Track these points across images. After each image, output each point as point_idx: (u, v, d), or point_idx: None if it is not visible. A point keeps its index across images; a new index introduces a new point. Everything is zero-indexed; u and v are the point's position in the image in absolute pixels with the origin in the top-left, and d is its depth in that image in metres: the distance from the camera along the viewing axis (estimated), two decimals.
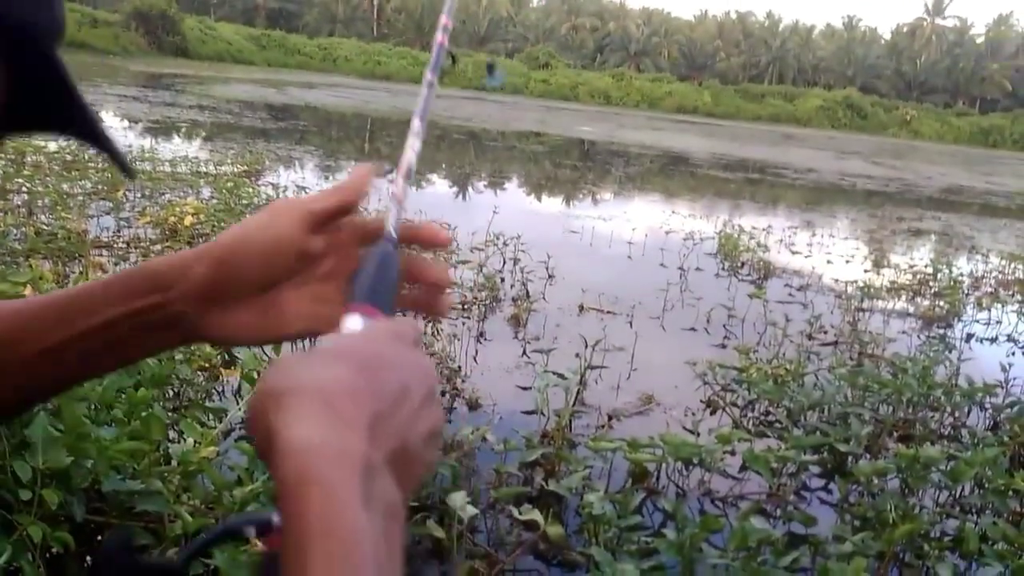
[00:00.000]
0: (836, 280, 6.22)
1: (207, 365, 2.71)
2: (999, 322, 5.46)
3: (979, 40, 71.01)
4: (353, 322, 0.44)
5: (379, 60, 55.30)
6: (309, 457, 0.31)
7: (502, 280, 4.84)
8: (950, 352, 4.03)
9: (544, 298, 4.73)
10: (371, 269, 0.48)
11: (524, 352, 3.75)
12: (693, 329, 4.49)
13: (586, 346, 3.31)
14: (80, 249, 4.15)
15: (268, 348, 2.98)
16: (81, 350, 0.46)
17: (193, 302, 0.44)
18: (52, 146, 7.57)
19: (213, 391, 2.76)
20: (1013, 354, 4.72)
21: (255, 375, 2.13)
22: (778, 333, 4.19)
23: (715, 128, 37.06)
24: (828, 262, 7.07)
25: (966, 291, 6.15)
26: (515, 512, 2.10)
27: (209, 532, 0.39)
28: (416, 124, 0.57)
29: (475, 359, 3.56)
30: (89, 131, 0.41)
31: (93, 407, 1.80)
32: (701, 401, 3.39)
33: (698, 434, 2.92)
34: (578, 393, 3.15)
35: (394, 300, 0.48)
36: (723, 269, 6.23)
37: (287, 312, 0.46)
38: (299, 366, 0.36)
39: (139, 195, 6.11)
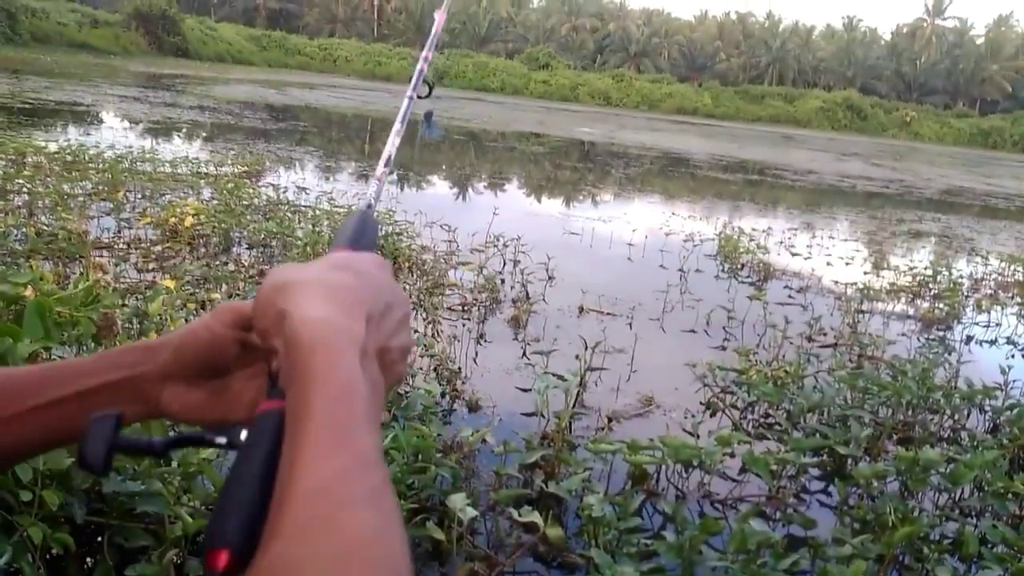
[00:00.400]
0: (836, 282, 6.22)
1: None
2: (999, 324, 5.46)
3: (979, 41, 71.01)
4: None
5: (379, 60, 55.31)
6: (319, 327, 0.39)
7: (502, 281, 4.84)
8: (949, 354, 4.03)
9: (544, 300, 4.73)
10: (352, 223, 0.58)
11: (524, 354, 3.75)
12: (693, 331, 4.49)
13: (586, 348, 3.31)
14: (81, 250, 4.15)
15: None
16: (49, 417, 0.50)
17: (158, 380, 0.50)
18: (52, 147, 7.58)
19: None
20: (1012, 356, 4.72)
21: None
22: (778, 335, 4.19)
23: (715, 129, 37.06)
24: (828, 264, 7.07)
25: (966, 293, 6.15)
26: (515, 514, 2.10)
27: (188, 432, 0.47)
28: (397, 126, 0.78)
29: (475, 360, 3.56)
30: None
31: None
32: (701, 403, 3.39)
33: (698, 436, 2.92)
34: (578, 395, 3.15)
35: (374, 250, 0.57)
36: (723, 271, 6.24)
37: (236, 397, 0.51)
38: (305, 267, 0.45)
39: (140, 196, 6.11)
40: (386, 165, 0.74)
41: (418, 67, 0.87)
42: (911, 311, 5.56)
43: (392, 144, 0.76)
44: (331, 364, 0.38)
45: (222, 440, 0.45)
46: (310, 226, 5.37)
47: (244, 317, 0.49)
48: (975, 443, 2.98)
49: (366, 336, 0.41)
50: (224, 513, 0.37)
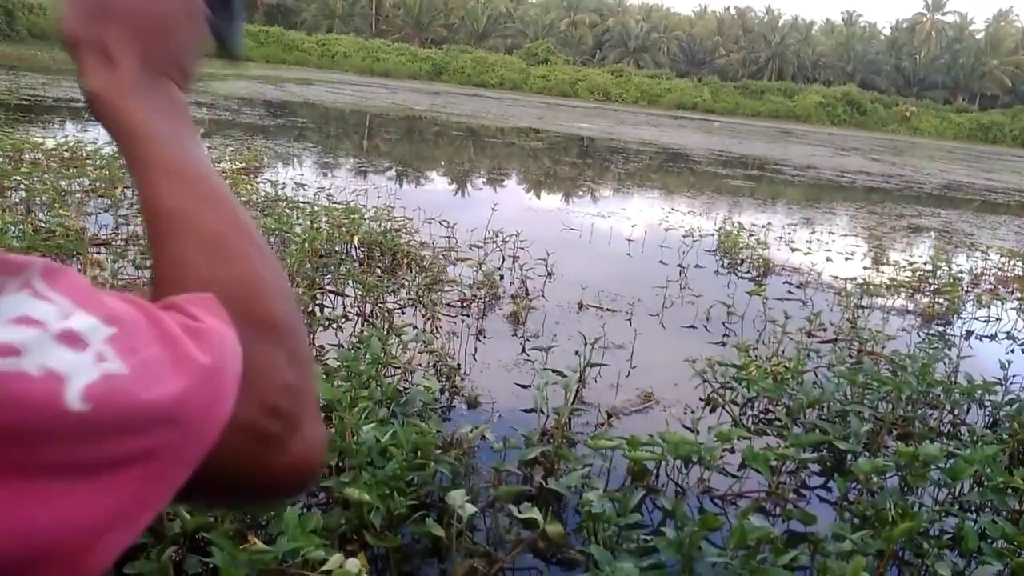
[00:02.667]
0: (836, 277, 6.21)
1: None
2: (998, 319, 5.46)
3: (979, 36, 70.92)
4: None
5: (377, 56, 55.19)
6: (100, 98, 0.46)
7: (501, 278, 4.84)
8: (949, 349, 4.02)
9: (543, 296, 4.72)
10: None
11: (523, 350, 3.75)
12: (692, 327, 4.49)
13: (585, 344, 3.30)
14: (79, 247, 4.14)
15: None
16: None
17: None
18: (50, 143, 7.56)
19: None
20: (1012, 351, 4.72)
21: None
22: (777, 330, 4.19)
23: (714, 124, 37.03)
24: (828, 259, 7.07)
25: (965, 288, 6.14)
26: (514, 510, 2.10)
27: None
28: None
29: (474, 357, 3.56)
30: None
31: None
32: (700, 399, 3.39)
33: (697, 432, 2.92)
34: (577, 391, 3.14)
35: None
36: (723, 266, 6.23)
37: None
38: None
39: (137, 192, 6.09)
40: None
41: None
42: (911, 306, 5.56)
43: None
44: (121, 117, 0.45)
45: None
46: (308, 222, 5.35)
47: None
48: (975, 438, 2.98)
49: (139, 75, 0.46)
50: None
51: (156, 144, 0.45)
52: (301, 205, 6.30)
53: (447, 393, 3.07)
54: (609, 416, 3.08)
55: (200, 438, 0.33)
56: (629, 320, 4.42)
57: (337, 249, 4.95)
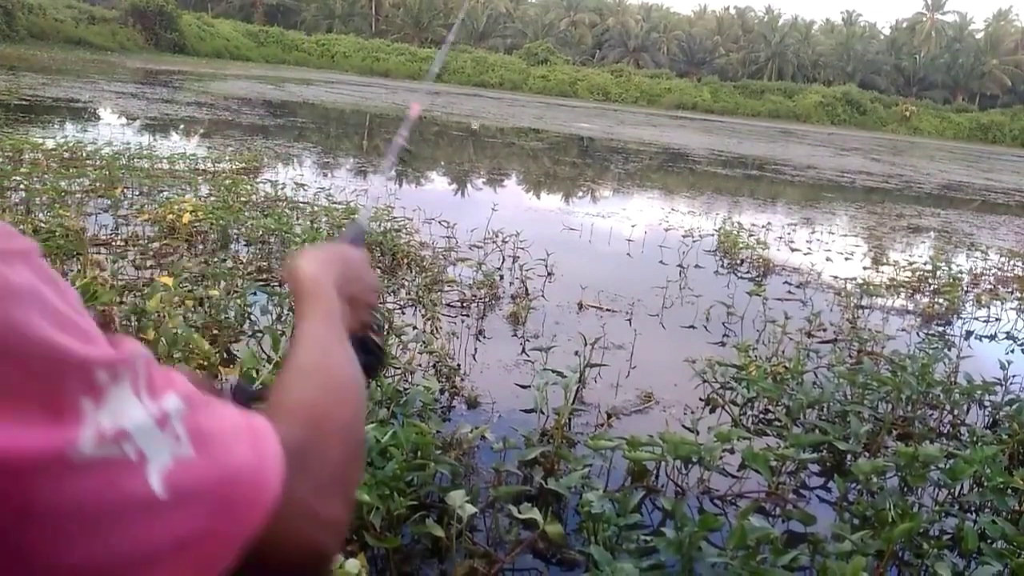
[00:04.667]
0: (835, 277, 6.21)
1: (205, 364, 2.71)
2: (998, 319, 5.46)
3: (978, 35, 70.90)
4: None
5: (377, 56, 55.18)
6: (316, 273, 0.67)
7: (501, 278, 4.84)
8: (949, 350, 4.02)
9: (543, 296, 4.72)
10: (351, 230, 0.90)
11: (523, 350, 3.75)
12: (692, 327, 4.49)
13: (585, 344, 3.30)
14: (78, 247, 4.14)
15: (267, 347, 2.97)
16: None
17: None
18: (50, 143, 7.56)
19: None
20: (1012, 351, 4.72)
21: (253, 373, 2.13)
22: (777, 331, 4.19)
23: (714, 124, 37.04)
24: (828, 259, 7.07)
25: (965, 288, 6.14)
26: (514, 511, 2.10)
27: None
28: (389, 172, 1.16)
29: (474, 357, 3.56)
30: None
31: None
32: (700, 399, 3.39)
33: (697, 432, 2.92)
34: (577, 391, 3.14)
35: (360, 247, 0.87)
36: (722, 266, 6.23)
37: None
38: (311, 250, 0.72)
39: (137, 192, 6.10)
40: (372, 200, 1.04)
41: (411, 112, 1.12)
42: (911, 306, 5.56)
43: (379, 181, 1.06)
44: (322, 294, 0.65)
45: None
46: (308, 222, 5.35)
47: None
48: (974, 438, 2.98)
49: (339, 284, 0.69)
50: None
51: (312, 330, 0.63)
52: (301, 205, 6.30)
53: (447, 393, 3.07)
54: (609, 416, 3.08)
55: (247, 520, 0.40)
56: (629, 320, 4.42)
57: None
